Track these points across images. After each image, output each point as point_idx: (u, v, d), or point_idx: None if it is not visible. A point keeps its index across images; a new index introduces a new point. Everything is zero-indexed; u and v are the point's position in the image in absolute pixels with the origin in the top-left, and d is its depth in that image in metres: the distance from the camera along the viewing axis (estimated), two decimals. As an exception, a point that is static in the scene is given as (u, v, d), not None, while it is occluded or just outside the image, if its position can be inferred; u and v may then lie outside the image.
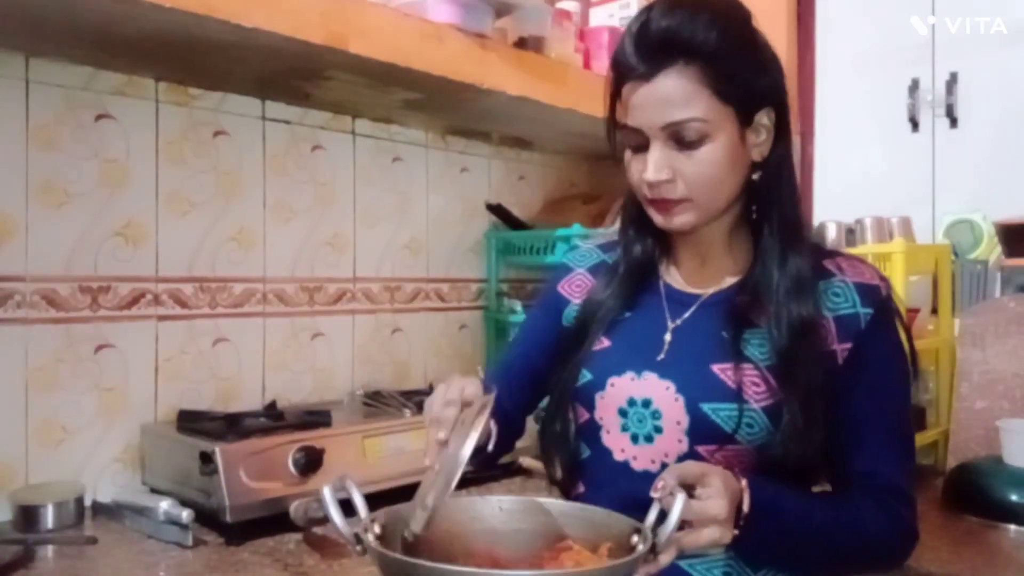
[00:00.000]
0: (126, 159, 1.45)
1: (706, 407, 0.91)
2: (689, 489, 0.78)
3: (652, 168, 0.89)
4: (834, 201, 2.01)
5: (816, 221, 1.97)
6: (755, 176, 0.94)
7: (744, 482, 0.81)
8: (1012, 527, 1.31)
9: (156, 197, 1.49)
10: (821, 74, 2.06)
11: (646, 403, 0.94)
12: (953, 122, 1.82)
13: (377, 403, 1.65)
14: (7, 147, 1.32)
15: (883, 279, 0.95)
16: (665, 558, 0.77)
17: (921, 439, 1.59)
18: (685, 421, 0.91)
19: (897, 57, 1.90)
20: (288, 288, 1.69)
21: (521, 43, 1.66)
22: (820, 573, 0.93)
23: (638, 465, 0.94)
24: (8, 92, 1.32)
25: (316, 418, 1.44)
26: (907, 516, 0.92)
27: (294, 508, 1.19)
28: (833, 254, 0.98)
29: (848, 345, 0.90)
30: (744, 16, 0.92)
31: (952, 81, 1.81)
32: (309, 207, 1.73)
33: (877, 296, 0.92)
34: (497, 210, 2.09)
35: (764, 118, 0.93)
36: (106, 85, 1.42)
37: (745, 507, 0.80)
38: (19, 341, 1.33)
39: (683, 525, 0.76)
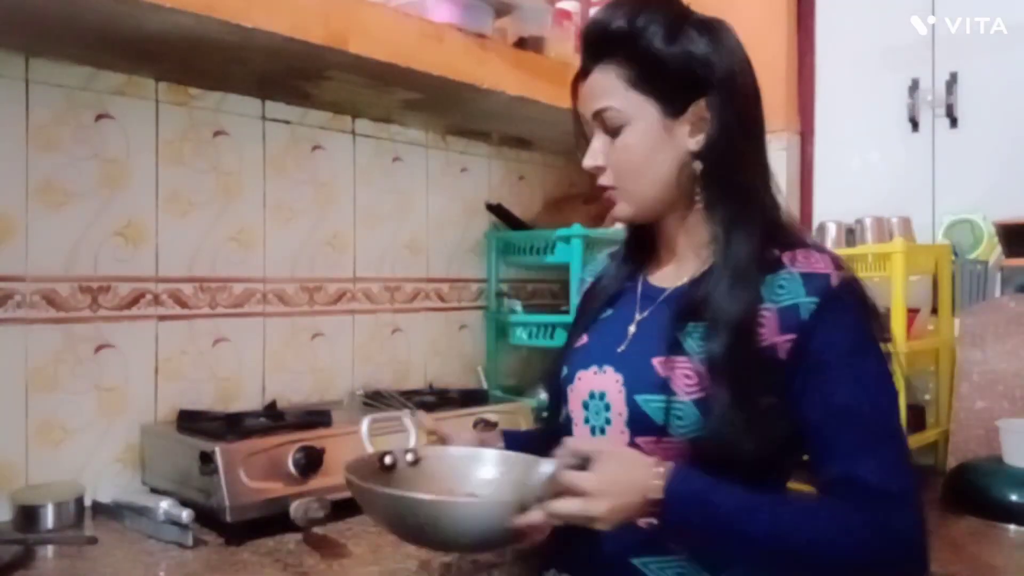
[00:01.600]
0: (126, 159, 1.45)
1: (639, 398, 0.92)
2: (587, 463, 0.83)
3: (588, 155, 0.97)
4: (834, 201, 2.01)
5: (816, 221, 1.97)
6: (695, 167, 0.95)
7: (662, 471, 0.82)
8: (1012, 527, 1.31)
9: (156, 197, 1.49)
10: (821, 74, 2.05)
11: (601, 396, 0.97)
12: (953, 122, 1.82)
13: (377, 403, 1.65)
14: (7, 147, 1.32)
15: (839, 268, 0.89)
16: (533, 515, 0.82)
17: (921, 439, 1.59)
18: (625, 413, 0.93)
19: (897, 57, 1.90)
20: (288, 288, 1.69)
21: (521, 43, 1.67)
22: (767, 567, 0.86)
23: None
24: (8, 92, 1.32)
25: (316, 418, 1.44)
26: (899, 522, 0.81)
27: (294, 508, 1.19)
28: (797, 246, 0.92)
29: (791, 337, 0.86)
30: (677, 11, 0.95)
31: (952, 81, 1.80)
32: (309, 207, 1.73)
33: (824, 285, 0.87)
34: (497, 210, 2.09)
35: (700, 109, 0.93)
36: (106, 85, 1.42)
37: (655, 494, 0.81)
38: (19, 341, 1.33)
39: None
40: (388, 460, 1.06)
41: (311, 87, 1.55)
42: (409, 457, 1.08)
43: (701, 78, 0.92)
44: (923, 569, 0.83)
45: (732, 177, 0.93)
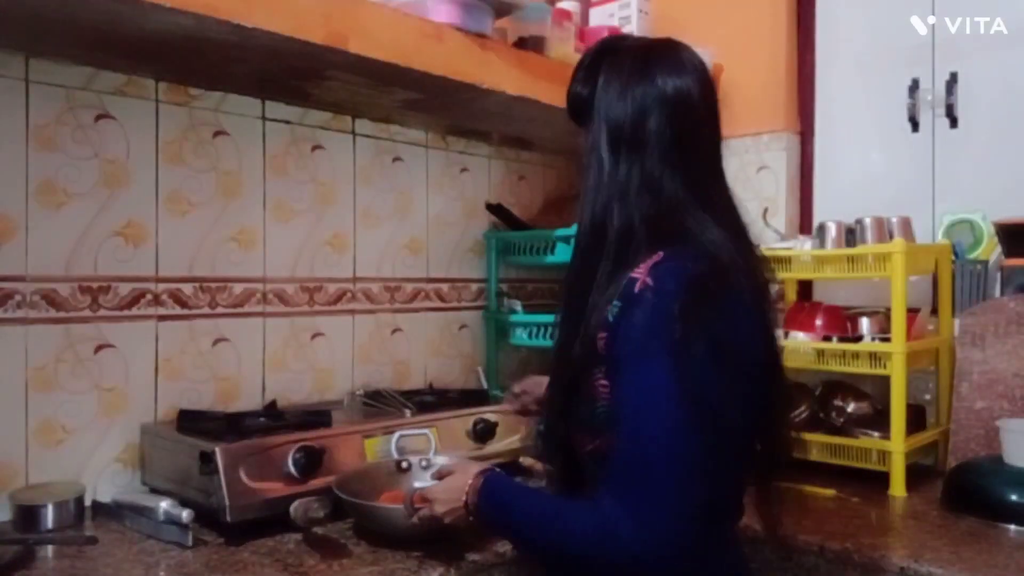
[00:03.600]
0: (126, 159, 1.45)
1: None
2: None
3: None
4: (834, 201, 2.00)
5: (816, 221, 1.97)
6: None
7: (475, 482, 1.02)
8: (1012, 527, 1.31)
9: (156, 197, 1.49)
10: (821, 74, 2.05)
11: None
12: (953, 122, 1.82)
13: (377, 403, 1.65)
14: (7, 147, 1.32)
15: (651, 275, 0.88)
16: (418, 516, 1.11)
17: (921, 439, 1.59)
18: None
19: (897, 57, 1.90)
20: (288, 288, 1.69)
21: (521, 43, 1.67)
22: (540, 561, 1.03)
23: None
24: (8, 92, 1.32)
25: (316, 418, 1.44)
26: (610, 511, 0.84)
27: (294, 508, 1.19)
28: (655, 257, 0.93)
29: (604, 334, 0.90)
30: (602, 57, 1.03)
31: (952, 81, 1.80)
32: (309, 207, 1.73)
33: (629, 288, 0.89)
34: (497, 210, 2.09)
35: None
36: (106, 85, 1.42)
37: (467, 497, 1.02)
38: (19, 341, 1.33)
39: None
40: (404, 464, 1.38)
41: (311, 87, 1.55)
42: (423, 463, 1.36)
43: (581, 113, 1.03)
44: (644, 569, 0.85)
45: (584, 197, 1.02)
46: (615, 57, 1.00)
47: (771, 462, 1.05)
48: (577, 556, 0.89)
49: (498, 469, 1.07)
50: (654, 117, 0.95)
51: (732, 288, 0.91)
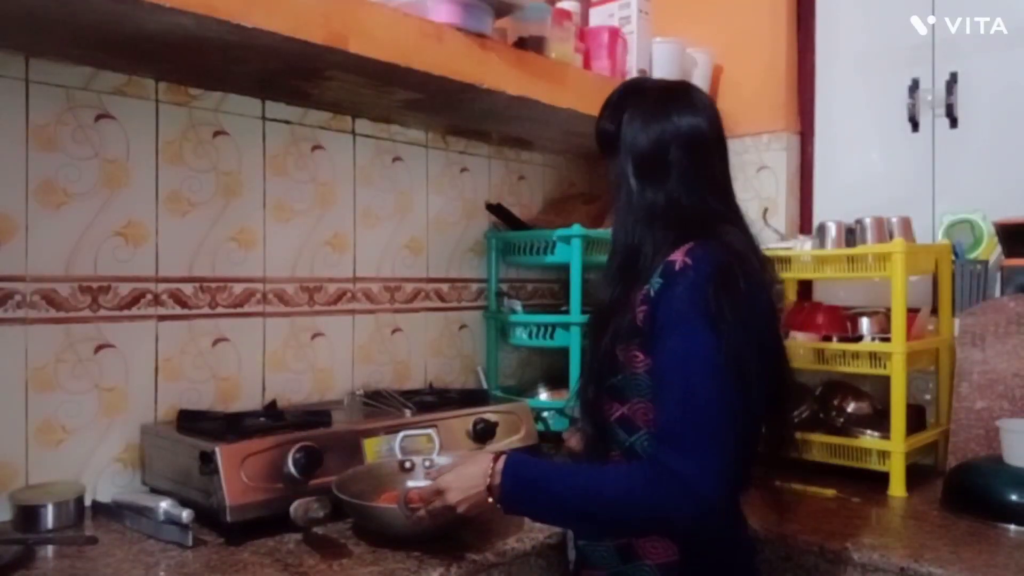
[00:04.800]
0: (126, 159, 1.45)
1: None
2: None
3: None
4: (834, 201, 2.01)
5: (816, 221, 1.97)
6: None
7: (496, 464, 1.04)
8: (1012, 527, 1.31)
9: (156, 197, 1.49)
10: (821, 74, 2.05)
11: None
12: (953, 122, 1.82)
13: (377, 403, 1.65)
14: (7, 147, 1.32)
15: (689, 255, 1.01)
16: (419, 513, 1.12)
17: (921, 439, 1.59)
18: None
19: (897, 57, 1.90)
20: (288, 288, 1.69)
21: (521, 43, 1.66)
22: (586, 529, 1.10)
23: None
24: (8, 92, 1.32)
25: (316, 418, 1.44)
26: (678, 466, 0.93)
27: (294, 508, 1.19)
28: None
29: (644, 308, 1.02)
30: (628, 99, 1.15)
31: (952, 81, 1.80)
32: (309, 207, 1.73)
33: (670, 268, 1.01)
34: (497, 210, 2.09)
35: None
36: (106, 85, 1.42)
37: (490, 480, 1.04)
38: (19, 341, 1.33)
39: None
40: (407, 464, 1.38)
41: (311, 87, 1.55)
42: (427, 463, 1.37)
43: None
44: (708, 513, 0.95)
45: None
46: (637, 98, 1.15)
47: (773, 462, 1.13)
48: (639, 511, 0.97)
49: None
50: (673, 149, 1.10)
51: (752, 278, 1.03)
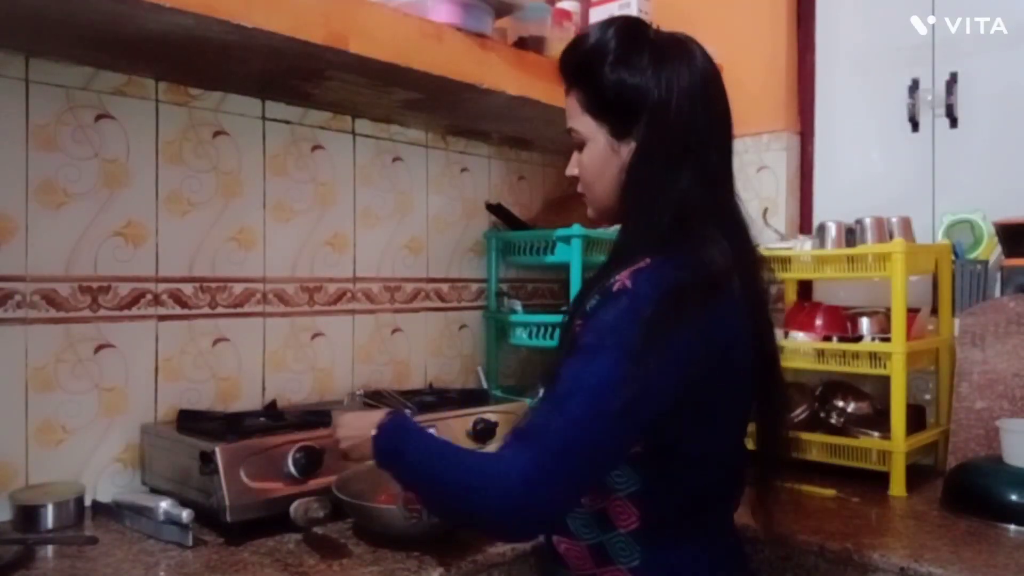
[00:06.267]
0: (126, 159, 1.45)
1: None
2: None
3: (568, 165, 1.11)
4: (834, 201, 2.01)
5: (816, 221, 1.97)
6: None
7: (383, 420, 1.03)
8: (1012, 527, 1.31)
9: (156, 197, 1.49)
10: (821, 74, 2.05)
11: None
12: (953, 122, 1.82)
13: (377, 403, 1.65)
14: (7, 147, 1.32)
15: (632, 278, 0.93)
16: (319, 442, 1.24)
17: (921, 439, 1.59)
18: None
19: (897, 57, 1.90)
20: (288, 288, 1.69)
21: (521, 43, 1.67)
22: (443, 511, 1.01)
23: None
24: (8, 92, 1.32)
25: (316, 418, 1.44)
26: (511, 455, 0.87)
27: (294, 508, 1.19)
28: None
29: (580, 322, 0.96)
30: (631, 40, 1.02)
31: (952, 81, 1.80)
32: (309, 207, 1.73)
33: (610, 286, 0.94)
34: (497, 210, 2.09)
35: (638, 132, 1.01)
36: (106, 85, 1.42)
37: (375, 431, 1.03)
38: (19, 341, 1.33)
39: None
40: None
41: (311, 87, 1.55)
42: None
43: (637, 105, 1.00)
44: (509, 512, 0.86)
45: (633, 192, 1.02)
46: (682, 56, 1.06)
47: (769, 462, 1.08)
48: (458, 487, 0.91)
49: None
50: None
51: (722, 294, 0.95)
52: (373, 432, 1.03)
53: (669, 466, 0.96)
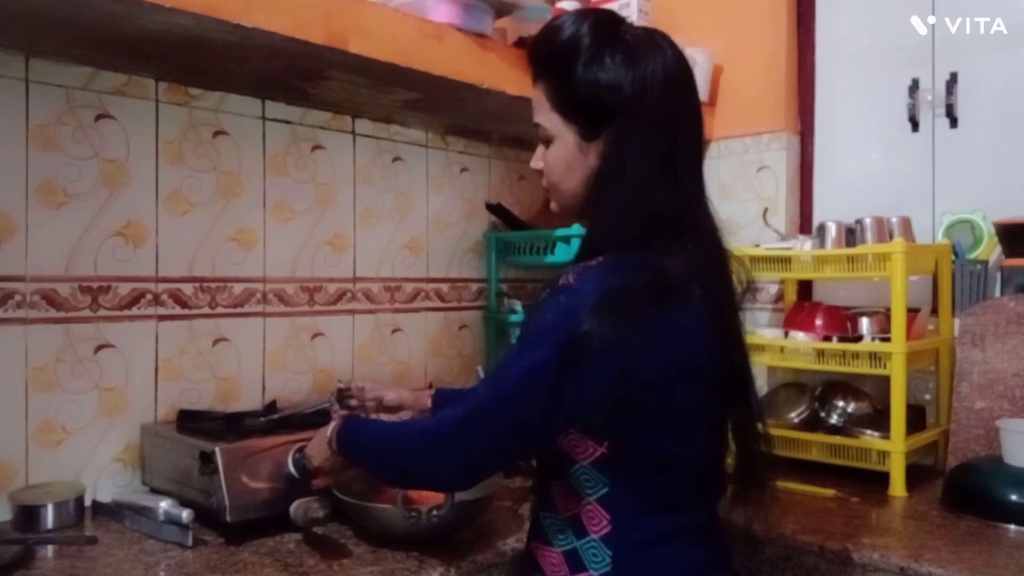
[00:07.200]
0: (126, 159, 1.45)
1: None
2: None
3: (533, 158, 1.09)
4: (834, 201, 2.00)
5: (816, 221, 1.97)
6: None
7: (337, 424, 1.15)
8: (1012, 527, 1.31)
9: (156, 197, 1.49)
10: (821, 74, 2.05)
11: None
12: (953, 122, 1.82)
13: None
14: (7, 147, 1.32)
15: (578, 276, 0.93)
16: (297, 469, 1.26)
17: (921, 439, 1.59)
18: None
19: (897, 57, 1.90)
20: (288, 288, 1.69)
21: (521, 43, 1.67)
22: (393, 476, 1.10)
23: None
24: (8, 92, 1.32)
25: (316, 418, 1.44)
26: (441, 415, 1.02)
27: (294, 508, 1.19)
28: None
29: (528, 314, 1.04)
30: (604, 35, 0.98)
31: (952, 81, 1.80)
32: (309, 207, 1.73)
33: (556, 283, 0.95)
34: (497, 210, 2.09)
35: (609, 135, 0.98)
36: (106, 85, 1.42)
37: (332, 437, 1.15)
38: (19, 341, 1.33)
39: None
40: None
41: (311, 87, 1.55)
42: None
43: (610, 105, 0.97)
44: (441, 462, 0.97)
45: (603, 195, 0.98)
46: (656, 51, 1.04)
47: (747, 459, 1.06)
48: (400, 450, 1.03)
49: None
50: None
51: (675, 300, 0.94)
52: (331, 437, 1.14)
53: (637, 470, 0.95)
